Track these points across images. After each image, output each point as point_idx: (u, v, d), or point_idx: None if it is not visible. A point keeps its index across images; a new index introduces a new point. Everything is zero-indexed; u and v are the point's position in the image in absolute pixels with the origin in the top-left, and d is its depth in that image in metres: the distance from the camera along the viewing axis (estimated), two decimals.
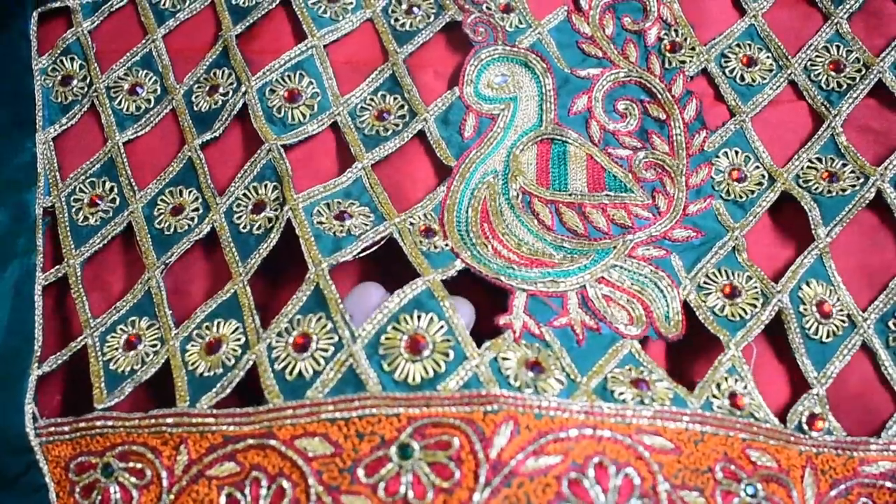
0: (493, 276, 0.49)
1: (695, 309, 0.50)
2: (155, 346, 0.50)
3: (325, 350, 0.45)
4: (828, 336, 0.50)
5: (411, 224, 0.51)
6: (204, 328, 0.50)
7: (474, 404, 0.42)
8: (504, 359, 0.44)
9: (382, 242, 0.50)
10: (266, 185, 0.54)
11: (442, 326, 0.45)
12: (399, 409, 0.42)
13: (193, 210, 0.55)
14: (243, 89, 0.57)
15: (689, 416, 0.44)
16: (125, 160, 0.57)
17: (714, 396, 0.46)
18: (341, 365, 0.44)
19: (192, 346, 0.49)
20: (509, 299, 0.48)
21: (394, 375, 0.43)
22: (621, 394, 0.44)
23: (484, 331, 0.46)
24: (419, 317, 0.45)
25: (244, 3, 0.62)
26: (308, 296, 0.47)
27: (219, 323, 0.50)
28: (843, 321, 0.50)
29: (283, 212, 0.51)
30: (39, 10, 0.63)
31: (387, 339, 0.45)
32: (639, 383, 0.45)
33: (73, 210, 0.56)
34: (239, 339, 0.48)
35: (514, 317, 0.47)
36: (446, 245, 0.50)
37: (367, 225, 0.51)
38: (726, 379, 0.47)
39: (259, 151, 0.55)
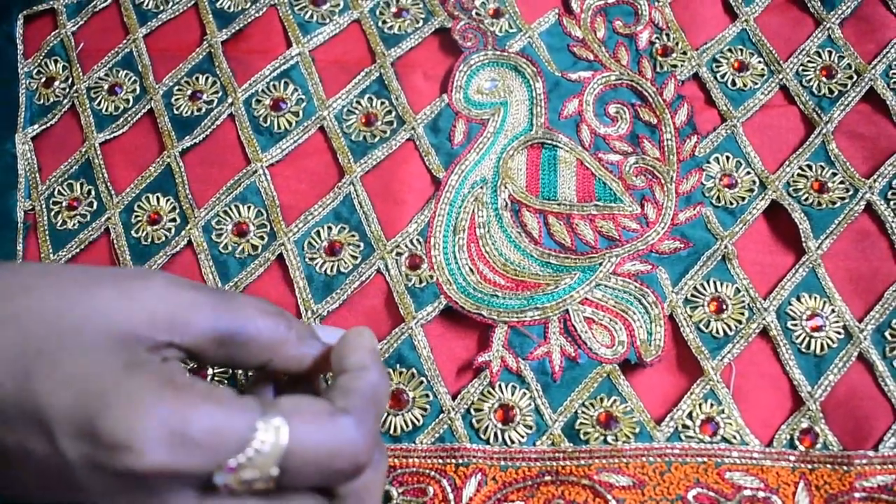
0: (475, 312, 0.48)
1: (680, 325, 0.48)
2: None
3: None
4: (822, 349, 0.47)
5: (398, 255, 0.50)
6: None
7: (447, 458, 0.45)
8: (477, 410, 0.46)
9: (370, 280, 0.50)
10: (249, 208, 0.52)
11: (421, 382, 0.47)
12: None
13: (170, 220, 0.52)
14: (230, 100, 0.55)
15: (652, 451, 0.45)
16: (102, 161, 0.54)
17: (684, 426, 0.46)
18: None
19: None
20: (490, 334, 0.48)
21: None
22: (586, 434, 0.45)
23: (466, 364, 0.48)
24: (401, 373, 0.47)
25: (229, 7, 0.58)
26: None
27: None
28: (839, 332, 0.48)
29: (274, 246, 0.51)
30: (25, 12, 0.60)
31: None
32: (606, 419, 0.46)
33: (53, 213, 0.53)
34: (226, 371, 0.48)
35: (492, 355, 0.47)
36: (431, 277, 0.49)
37: (356, 258, 0.50)
38: (701, 405, 0.46)
39: (244, 171, 0.53)
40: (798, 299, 0.49)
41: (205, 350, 0.33)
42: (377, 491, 0.35)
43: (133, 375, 0.30)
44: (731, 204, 0.52)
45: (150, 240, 0.52)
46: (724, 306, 0.49)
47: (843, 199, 0.51)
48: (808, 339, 0.48)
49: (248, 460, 0.30)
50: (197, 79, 0.56)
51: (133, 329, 0.31)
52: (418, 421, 0.46)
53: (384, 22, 0.57)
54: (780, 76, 0.55)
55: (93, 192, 0.53)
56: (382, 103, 0.55)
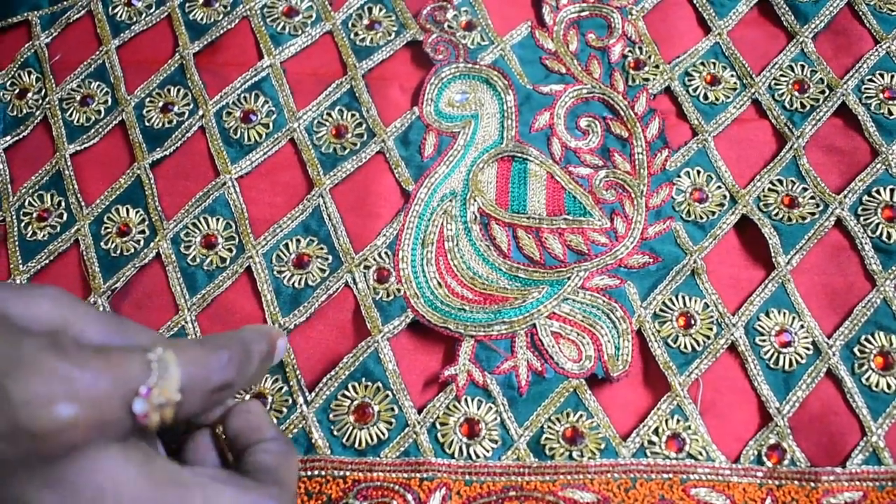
0: (442, 325, 0.47)
1: (648, 340, 0.47)
2: None
3: (280, 412, 0.46)
4: (791, 365, 0.46)
5: (366, 268, 0.49)
6: None
7: (411, 472, 0.44)
8: (442, 424, 0.45)
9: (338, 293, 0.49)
10: (218, 220, 0.51)
11: (387, 395, 0.46)
12: (346, 472, 0.44)
13: (139, 232, 0.51)
14: (200, 113, 0.54)
15: (617, 467, 0.44)
16: (72, 173, 0.53)
17: (650, 442, 0.44)
18: (293, 426, 0.45)
19: None
20: (456, 348, 0.47)
21: (342, 440, 0.45)
22: (552, 450, 0.44)
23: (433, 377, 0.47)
24: (366, 386, 0.46)
25: (202, 19, 0.57)
26: None
27: None
28: (808, 348, 0.46)
29: (242, 258, 0.50)
30: None
31: (336, 405, 0.46)
32: (572, 435, 0.44)
33: (23, 224, 0.52)
34: None
35: (458, 368, 0.46)
36: (399, 291, 0.48)
37: (324, 271, 0.49)
38: (667, 421, 0.45)
39: (213, 183, 0.52)
40: (767, 315, 0.47)
41: None
42: (290, 471, 0.37)
43: (24, 345, 0.29)
44: (702, 218, 0.50)
45: (119, 251, 0.50)
46: (693, 321, 0.47)
47: (813, 214, 0.50)
48: (776, 354, 0.46)
49: (156, 382, 0.31)
50: (168, 90, 0.55)
51: (25, 322, 0.31)
52: (383, 435, 0.45)
53: (356, 34, 0.56)
54: (753, 90, 0.54)
55: (63, 204, 0.52)
56: (353, 115, 0.53)
